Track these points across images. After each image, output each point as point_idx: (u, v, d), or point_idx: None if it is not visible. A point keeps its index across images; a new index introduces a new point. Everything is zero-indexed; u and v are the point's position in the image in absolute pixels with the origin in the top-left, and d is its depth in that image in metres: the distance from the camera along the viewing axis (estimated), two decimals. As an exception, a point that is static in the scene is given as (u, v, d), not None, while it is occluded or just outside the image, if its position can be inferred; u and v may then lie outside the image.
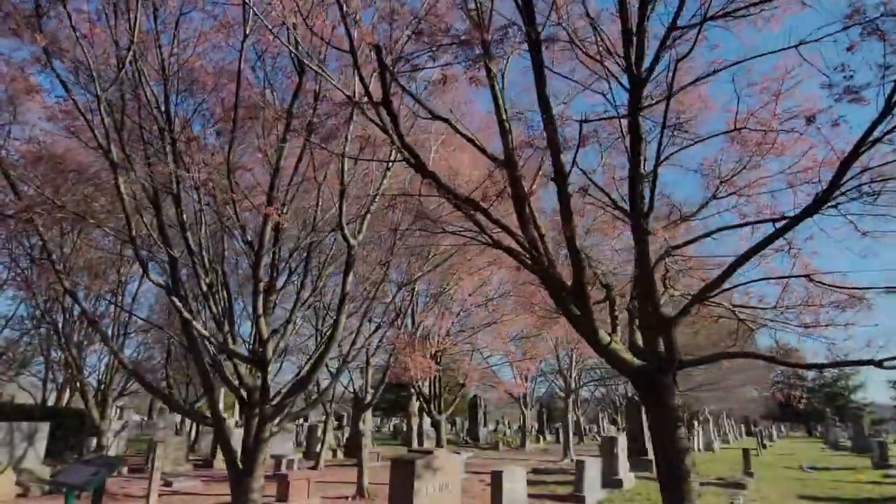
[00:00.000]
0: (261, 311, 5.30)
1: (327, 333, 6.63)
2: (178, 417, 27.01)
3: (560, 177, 3.60)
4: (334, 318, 5.63)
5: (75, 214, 5.98)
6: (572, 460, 22.12)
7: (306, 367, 6.26)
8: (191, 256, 5.57)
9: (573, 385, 22.70)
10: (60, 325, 11.27)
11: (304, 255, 6.95)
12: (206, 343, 5.74)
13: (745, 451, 17.48)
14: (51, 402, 20.44)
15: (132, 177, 5.17)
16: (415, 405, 21.60)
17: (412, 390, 19.94)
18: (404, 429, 35.78)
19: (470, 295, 10.95)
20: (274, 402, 5.76)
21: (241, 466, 5.82)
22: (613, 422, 45.34)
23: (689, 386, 29.29)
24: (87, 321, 6.18)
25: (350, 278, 5.72)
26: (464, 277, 9.44)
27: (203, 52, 5.33)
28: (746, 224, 4.97)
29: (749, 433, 60.35)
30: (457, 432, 39.06)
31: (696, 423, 39.83)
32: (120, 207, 7.99)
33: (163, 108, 5.27)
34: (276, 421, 5.84)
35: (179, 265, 6.10)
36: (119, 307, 11.60)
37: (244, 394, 6.25)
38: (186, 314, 5.40)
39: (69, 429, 16.85)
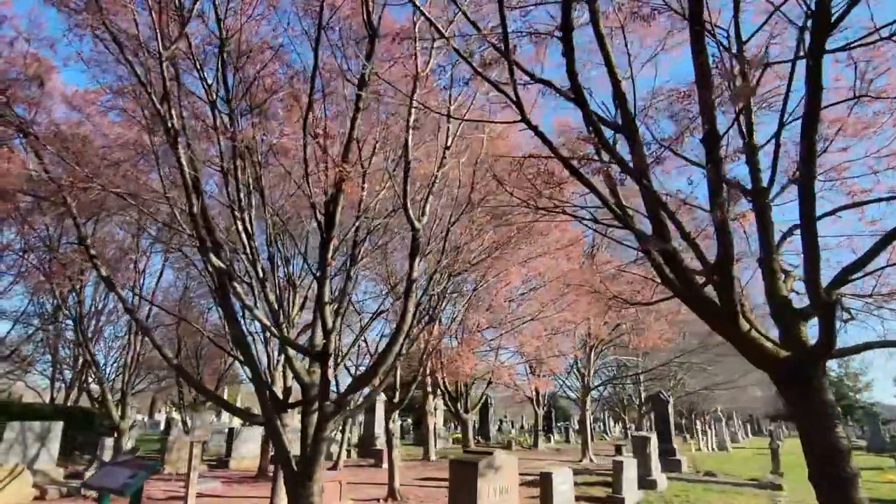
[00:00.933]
0: (327, 297, 4.82)
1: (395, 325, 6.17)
2: (178, 416, 26.46)
3: (713, 139, 3.12)
4: (401, 307, 5.15)
5: (118, 194, 5.51)
6: (591, 460, 21.73)
7: (371, 362, 5.80)
8: (248, 240, 5.10)
9: (591, 383, 22.25)
10: (76, 320, 10.74)
11: (353, 242, 6.49)
12: (269, 333, 5.26)
13: (774, 452, 17.12)
14: (58, 401, 19.90)
15: (187, 152, 4.69)
16: (431, 403, 21.13)
17: (429, 388, 19.48)
18: (411, 428, 35.35)
19: (505, 287, 10.48)
20: (335, 399, 5.29)
21: (297, 469, 5.35)
22: (621, 421, 44.99)
23: (706, 384, 28.94)
24: (126, 311, 5.71)
25: (416, 264, 5.25)
26: (510, 270, 8.99)
27: (264, 13, 4.87)
28: (863, 203, 4.53)
29: (755, 432, 60.11)
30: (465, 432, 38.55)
31: (698, 422, 39.53)
32: (143, 192, 7.52)
33: (219, 76, 4.79)
34: (335, 419, 5.37)
35: (224, 252, 5.61)
36: (149, 301, 11.10)
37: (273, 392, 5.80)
38: (248, 301, 4.93)
39: (79, 428, 16.35)
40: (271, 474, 14.77)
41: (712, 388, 27.54)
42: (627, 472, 11.78)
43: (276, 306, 5.42)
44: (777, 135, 3.84)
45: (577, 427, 41.33)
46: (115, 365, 22.72)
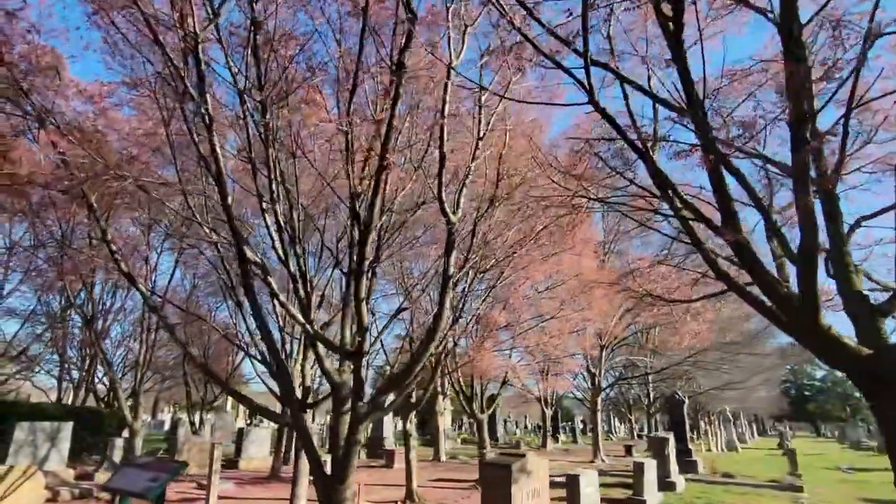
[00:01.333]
0: (363, 294, 4.61)
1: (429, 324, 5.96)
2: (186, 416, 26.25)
3: (801, 120, 2.88)
4: (437, 306, 4.93)
5: (140, 186, 5.30)
6: (603, 460, 21.51)
7: (406, 361, 5.58)
8: (279, 234, 4.88)
9: (603, 384, 22.02)
10: (87, 319, 10.54)
11: (378, 236, 6.29)
12: (303, 331, 5.04)
13: (791, 453, 16.81)
14: (66, 401, 19.71)
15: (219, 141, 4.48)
16: (441, 404, 20.93)
17: (439, 389, 19.26)
18: (414, 428, 35.16)
19: (522, 284, 10.23)
20: (369, 400, 5.07)
21: (328, 472, 5.13)
22: (627, 421, 44.75)
23: (715, 385, 28.71)
24: (150, 308, 5.49)
25: (452, 259, 5.04)
26: (533, 267, 8.76)
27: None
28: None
29: (760, 433, 59.88)
30: (472, 432, 38.35)
31: (702, 422, 39.27)
32: (159, 186, 7.30)
33: (248, 61, 4.57)
34: (369, 420, 5.15)
35: (246, 248, 5.39)
36: (164, 299, 10.89)
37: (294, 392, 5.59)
38: (282, 298, 4.71)
39: (87, 429, 16.13)
40: (284, 475, 14.60)
41: (723, 387, 27.29)
42: (648, 473, 11.55)
43: (306, 303, 5.21)
44: (845, 117, 3.61)
45: (581, 427, 41.12)
46: (121, 364, 22.58)
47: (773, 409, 59.02)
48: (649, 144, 3.73)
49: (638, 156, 3.48)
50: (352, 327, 5.49)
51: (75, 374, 19.57)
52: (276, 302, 4.83)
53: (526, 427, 48.25)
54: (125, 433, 20.66)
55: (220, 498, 11.07)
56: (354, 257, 4.58)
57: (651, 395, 29.38)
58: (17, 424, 12.00)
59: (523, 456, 6.45)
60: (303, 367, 8.91)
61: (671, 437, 14.01)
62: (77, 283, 10.15)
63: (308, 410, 8.74)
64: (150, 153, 7.70)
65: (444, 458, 20.35)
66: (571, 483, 8.22)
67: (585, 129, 8.98)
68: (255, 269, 4.84)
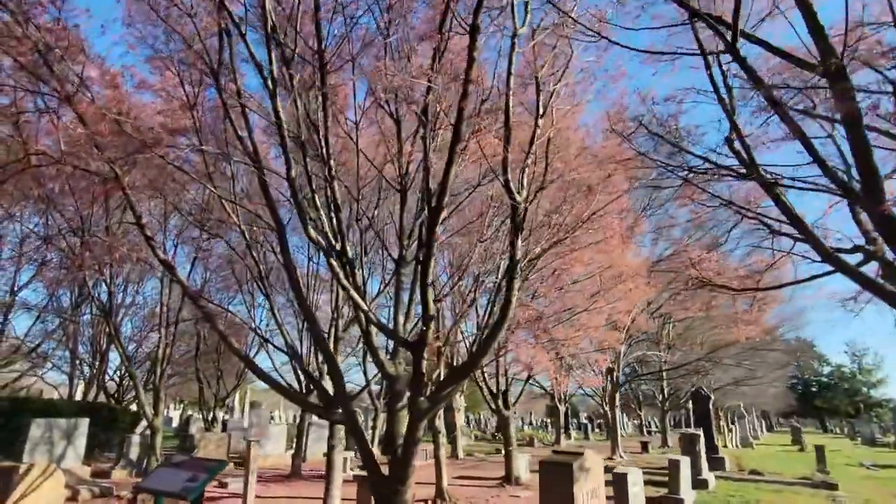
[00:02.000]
0: (430, 278, 4.22)
1: (495, 310, 5.59)
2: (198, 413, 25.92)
3: None
4: (504, 293, 4.55)
5: (178, 167, 4.93)
6: (622, 457, 21.16)
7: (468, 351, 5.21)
8: (336, 213, 4.49)
9: (621, 379, 21.66)
10: (106, 312, 10.15)
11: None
12: (364, 318, 4.66)
13: (820, 449, 16.46)
14: (76, 398, 19.39)
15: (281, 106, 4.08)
16: (459, 401, 20.60)
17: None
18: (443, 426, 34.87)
19: (560, 275, 9.81)
20: (430, 395, 4.69)
21: (387, 473, 4.77)
22: (637, 417, 44.38)
23: (726, 382, 28.35)
24: (189, 297, 5.12)
25: (519, 242, 4.66)
26: (574, 256, 8.37)
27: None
28: None
29: (769, 428, 59.55)
30: (482, 428, 38.09)
31: (714, 418, 38.90)
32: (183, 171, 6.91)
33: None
34: (430, 416, 4.78)
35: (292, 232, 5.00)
36: (187, 288, 10.51)
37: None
38: (346, 282, 4.33)
39: (101, 426, 15.82)
40: (305, 473, 14.26)
41: (739, 383, 26.91)
42: (683, 470, 11.19)
43: (363, 289, 4.83)
44: None
45: (585, 423, 40.75)
46: (133, 361, 22.23)
47: (780, 404, 58.66)
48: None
49: (781, 118, 3.10)
50: (406, 316, 5.12)
51: (86, 370, 19.23)
52: (339, 285, 4.44)
53: (531, 423, 47.92)
54: (140, 430, 20.34)
55: (230, 497, 10.75)
56: (422, 238, 4.19)
57: (665, 391, 28.96)
58: (33, 421, 11.68)
59: (581, 454, 6.07)
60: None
61: (701, 433, 13.64)
62: (98, 274, 9.77)
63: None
64: (172, 137, 7.33)
65: (461, 455, 20.03)
66: (619, 481, 7.85)
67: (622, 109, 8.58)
68: (318, 244, 4.45)
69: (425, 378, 5.08)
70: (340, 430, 8.25)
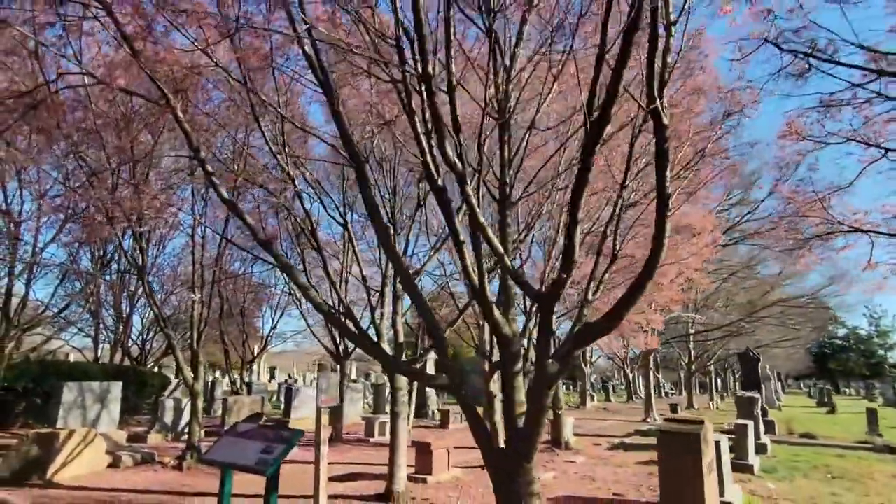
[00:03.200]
0: (580, 214, 3.36)
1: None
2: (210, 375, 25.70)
3: None
4: (655, 234, 3.68)
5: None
6: (655, 420, 20.79)
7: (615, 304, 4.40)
8: (457, 135, 3.60)
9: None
10: (140, 270, 9.38)
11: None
12: (501, 266, 3.83)
13: (872, 413, 15.86)
14: (101, 361, 19.04)
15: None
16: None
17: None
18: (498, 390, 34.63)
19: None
20: (557, 355, 3.91)
21: (508, 449, 4.04)
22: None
23: (754, 344, 27.76)
24: (261, 244, 4.33)
25: (668, 175, 3.77)
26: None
27: None
28: None
29: (784, 390, 59.62)
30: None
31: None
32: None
33: None
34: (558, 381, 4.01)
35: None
36: (228, 240, 9.75)
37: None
38: (482, 219, 3.49)
39: (130, 389, 15.42)
40: (346, 437, 13.87)
41: (771, 344, 26.31)
42: (750, 435, 10.59)
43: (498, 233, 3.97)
44: None
45: (606, 385, 40.65)
46: (152, 324, 21.81)
47: (798, 366, 58.51)
48: None
49: None
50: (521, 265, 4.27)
51: (108, 334, 18.82)
52: (474, 223, 3.57)
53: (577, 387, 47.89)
54: (168, 392, 20.08)
55: (290, 462, 10.25)
56: (585, 155, 3.29)
57: (691, 353, 28.46)
58: (65, 385, 11.18)
59: (701, 423, 5.34)
60: (394, 320, 7.79)
61: (759, 396, 13.01)
62: (133, 226, 8.97)
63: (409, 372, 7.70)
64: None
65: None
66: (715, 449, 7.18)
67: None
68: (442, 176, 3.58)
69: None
70: (404, 396, 7.59)
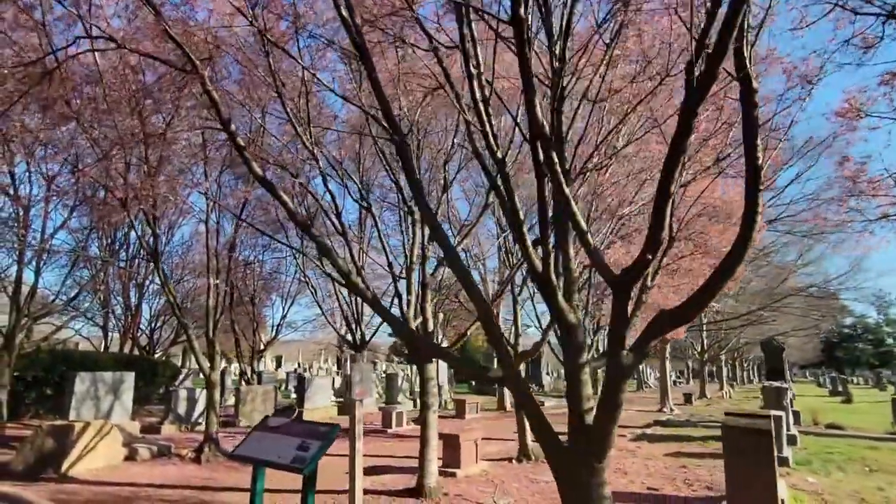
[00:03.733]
0: (672, 189, 2.95)
1: None
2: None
3: None
4: (747, 205, 3.27)
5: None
6: (672, 409, 20.49)
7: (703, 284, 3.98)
8: (484, 106, 3.15)
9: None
10: (154, 254, 8.98)
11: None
12: (581, 240, 3.44)
13: (898, 402, 15.48)
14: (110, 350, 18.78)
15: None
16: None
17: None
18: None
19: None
20: (634, 345, 3.53)
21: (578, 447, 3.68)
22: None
23: (779, 332, 27.34)
24: (297, 224, 3.93)
25: (759, 145, 3.35)
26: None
27: None
28: None
29: (791, 379, 59.37)
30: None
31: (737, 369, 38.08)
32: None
33: None
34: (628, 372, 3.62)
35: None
36: (243, 220, 9.38)
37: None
38: (567, 189, 3.08)
39: (141, 379, 15.15)
40: (367, 427, 13.56)
41: (790, 334, 25.91)
42: (783, 427, 10.25)
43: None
44: None
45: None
46: (162, 314, 21.53)
47: (806, 355, 58.18)
48: None
49: None
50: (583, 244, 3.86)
51: (114, 322, 18.53)
52: (554, 181, 3.15)
53: (558, 375, 47.78)
54: (178, 382, 19.85)
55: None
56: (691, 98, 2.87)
57: (704, 342, 28.11)
58: (77, 375, 10.89)
59: (768, 417, 4.97)
60: (423, 308, 7.42)
61: (788, 386, 12.65)
62: (148, 211, 8.60)
63: (433, 360, 7.34)
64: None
65: (508, 407, 19.41)
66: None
67: None
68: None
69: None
70: (434, 387, 7.24)
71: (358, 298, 13.02)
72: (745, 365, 52.08)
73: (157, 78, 5.52)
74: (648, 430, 14.14)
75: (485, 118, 3.68)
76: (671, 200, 3.06)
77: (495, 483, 7.81)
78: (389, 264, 7.77)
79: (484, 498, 6.90)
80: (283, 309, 19.95)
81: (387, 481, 7.70)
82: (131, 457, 8.85)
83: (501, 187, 3.72)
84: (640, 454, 10.62)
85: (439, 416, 16.41)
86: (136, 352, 19.25)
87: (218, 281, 9.49)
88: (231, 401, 16.46)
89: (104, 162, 7.51)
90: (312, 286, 13.70)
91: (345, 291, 13.54)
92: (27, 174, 9.62)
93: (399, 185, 8.34)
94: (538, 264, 3.76)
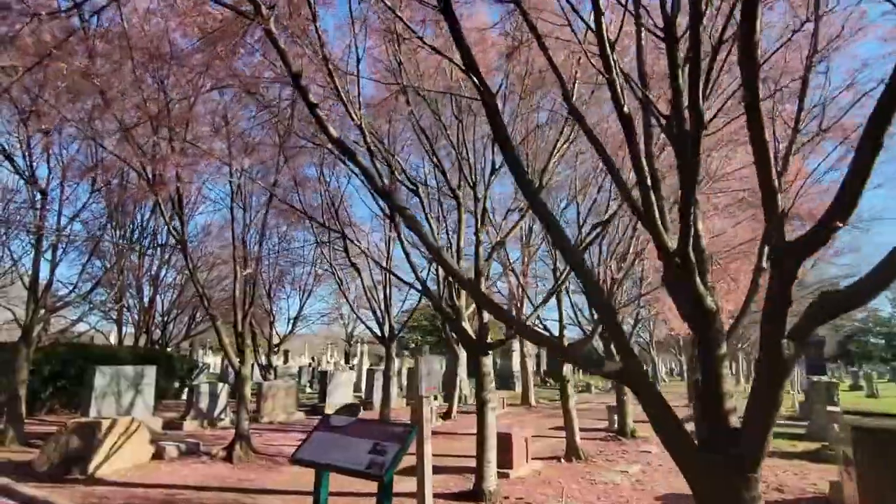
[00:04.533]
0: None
1: None
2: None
3: None
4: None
5: None
6: (699, 405, 19.89)
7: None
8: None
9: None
10: (181, 241, 8.40)
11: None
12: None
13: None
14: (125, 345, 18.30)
15: None
16: (530, 343, 19.29)
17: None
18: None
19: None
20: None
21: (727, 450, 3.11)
22: (651, 363, 43.28)
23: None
24: (379, 193, 3.36)
25: None
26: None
27: None
28: None
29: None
30: (539, 373, 37.22)
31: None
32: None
33: None
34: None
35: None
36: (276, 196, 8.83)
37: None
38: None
39: (159, 374, 14.66)
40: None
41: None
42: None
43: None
44: None
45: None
46: (175, 308, 20.99)
47: (820, 349, 57.46)
48: None
49: None
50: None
51: (134, 315, 18.03)
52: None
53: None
54: (195, 376, 19.37)
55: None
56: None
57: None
58: (97, 369, 10.38)
59: (884, 415, 4.37)
60: (468, 299, 6.85)
61: (837, 381, 12.05)
62: (176, 192, 8.06)
63: (488, 353, 6.80)
64: None
65: (533, 402, 18.89)
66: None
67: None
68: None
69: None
70: (492, 382, 6.68)
71: (388, 290, 12.48)
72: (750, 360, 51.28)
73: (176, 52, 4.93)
74: (690, 426, 13.54)
75: (612, 63, 3.09)
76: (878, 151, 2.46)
77: (551, 484, 7.27)
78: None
79: (547, 502, 6.35)
80: (300, 302, 19.39)
81: (439, 482, 7.15)
82: (158, 455, 8.32)
83: (629, 146, 3.13)
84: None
85: (462, 412, 15.95)
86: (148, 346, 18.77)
87: (249, 270, 8.92)
88: (255, 397, 15.91)
89: (130, 132, 6.93)
90: (339, 277, 13.13)
91: (371, 282, 12.98)
92: (45, 156, 9.06)
93: (443, 168, 7.76)
94: (665, 241, 3.19)
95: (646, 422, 11.99)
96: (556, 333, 9.73)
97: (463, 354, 20.60)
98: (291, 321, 20.12)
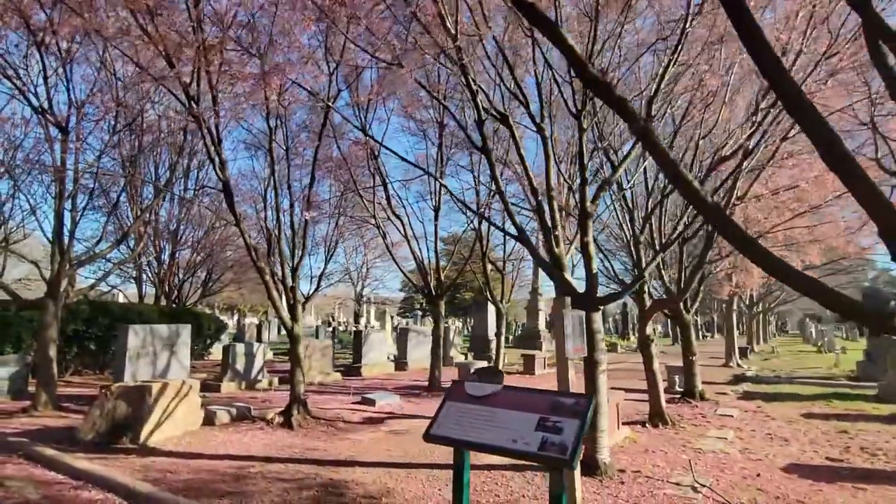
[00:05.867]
0: None
1: None
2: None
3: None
4: None
5: None
6: (739, 364, 19.33)
7: None
8: None
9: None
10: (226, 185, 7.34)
11: None
12: None
13: None
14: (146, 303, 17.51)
15: None
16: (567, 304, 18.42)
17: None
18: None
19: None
20: None
21: None
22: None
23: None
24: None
25: None
26: None
27: None
28: None
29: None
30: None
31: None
32: None
33: None
34: None
35: None
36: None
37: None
38: None
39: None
40: (447, 386, 12.42)
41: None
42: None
43: None
44: None
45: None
46: (191, 265, 20.05)
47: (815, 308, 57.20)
48: None
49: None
50: None
51: (154, 273, 17.15)
52: None
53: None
54: (224, 336, 18.61)
55: (400, 417, 8.73)
56: None
57: (753, 295, 26.68)
58: (130, 328, 9.53)
59: None
60: (584, 244, 5.89)
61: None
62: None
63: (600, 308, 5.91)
64: None
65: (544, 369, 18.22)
66: None
67: None
68: None
69: None
70: (602, 341, 5.81)
71: (436, 243, 11.54)
72: (767, 319, 50.89)
73: None
74: (745, 387, 12.91)
75: None
76: None
77: (655, 453, 6.52)
78: (534, 190, 6.14)
79: (670, 476, 5.59)
80: (326, 258, 18.41)
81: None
82: (209, 421, 7.58)
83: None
84: (774, 415, 9.33)
85: (507, 373, 15.28)
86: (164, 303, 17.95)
87: (313, 213, 7.92)
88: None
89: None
90: (384, 230, 12.13)
91: (415, 236, 12.02)
92: (62, 87, 7.92)
93: (526, 100, 6.61)
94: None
95: (710, 383, 11.20)
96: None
97: (492, 311, 19.77)
98: (316, 279, 19.21)
